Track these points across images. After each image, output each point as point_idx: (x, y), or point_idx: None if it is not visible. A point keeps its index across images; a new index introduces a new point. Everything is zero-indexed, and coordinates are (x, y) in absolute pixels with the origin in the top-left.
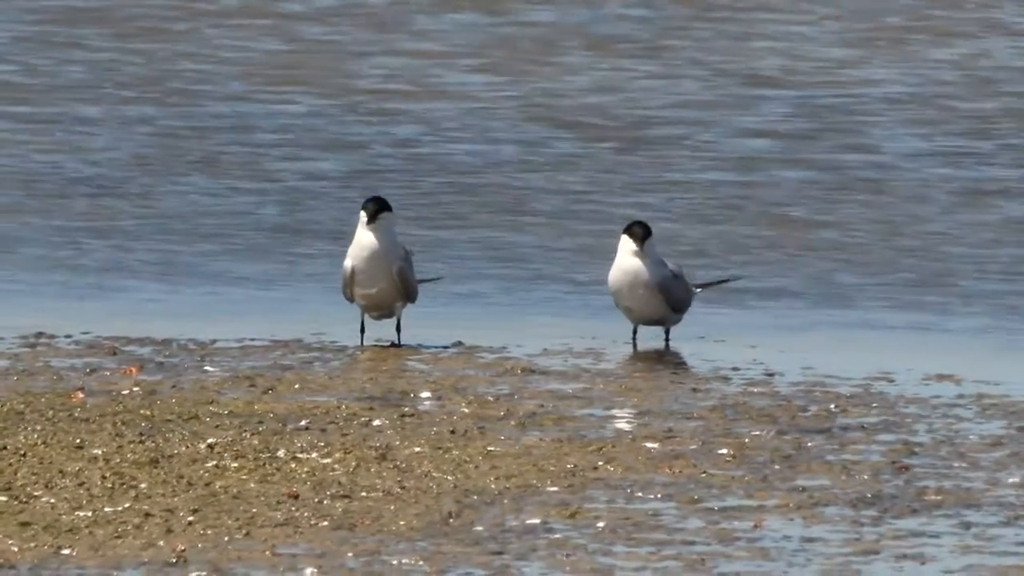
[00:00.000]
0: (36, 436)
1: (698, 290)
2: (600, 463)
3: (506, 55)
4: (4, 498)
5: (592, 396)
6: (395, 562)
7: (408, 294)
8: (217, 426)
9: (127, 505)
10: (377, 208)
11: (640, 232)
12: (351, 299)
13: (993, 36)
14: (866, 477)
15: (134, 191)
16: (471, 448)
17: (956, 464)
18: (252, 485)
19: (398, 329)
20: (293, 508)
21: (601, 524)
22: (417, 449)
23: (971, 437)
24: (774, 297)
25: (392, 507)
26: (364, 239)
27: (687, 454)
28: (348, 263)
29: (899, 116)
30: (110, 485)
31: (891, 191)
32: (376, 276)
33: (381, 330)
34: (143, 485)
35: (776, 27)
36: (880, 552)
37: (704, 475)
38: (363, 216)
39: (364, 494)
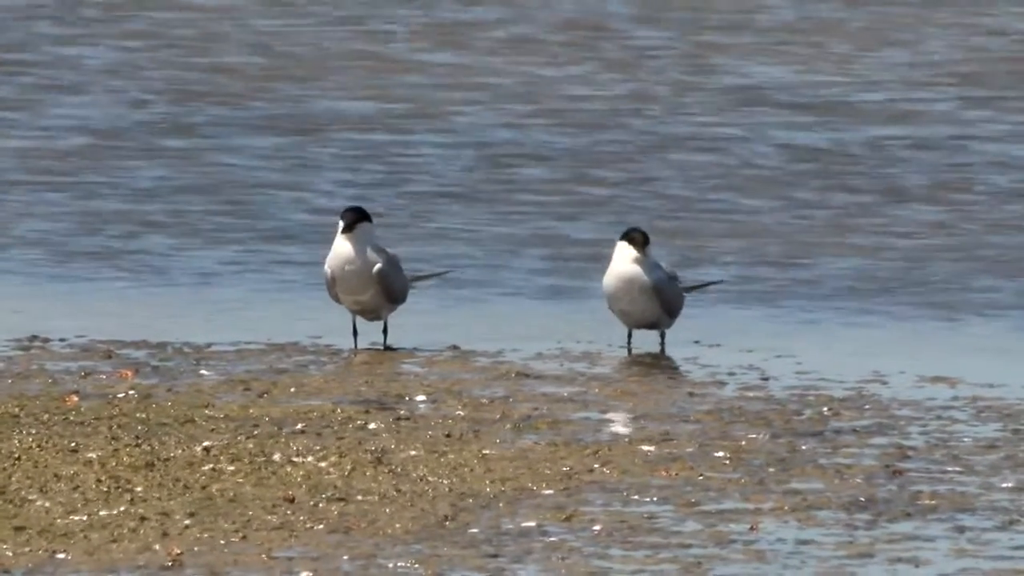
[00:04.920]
0: (30, 440)
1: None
2: (596, 466)
3: None
4: None
5: (588, 399)
6: (391, 565)
7: (392, 297)
8: (212, 430)
9: (122, 509)
10: (354, 218)
11: (641, 239)
12: (337, 301)
13: None
14: (860, 481)
15: (129, 194)
16: (466, 451)
17: (950, 468)
18: (248, 489)
19: (384, 332)
20: (289, 512)
21: (597, 527)
22: (413, 452)
23: (965, 440)
24: (768, 301)
25: (388, 510)
26: (341, 248)
27: (683, 457)
28: (327, 270)
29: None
30: (105, 489)
31: (892, 193)
32: (357, 284)
33: (376, 334)
34: (138, 489)
35: None
36: (874, 555)
37: (700, 478)
38: (341, 224)
39: (360, 497)
